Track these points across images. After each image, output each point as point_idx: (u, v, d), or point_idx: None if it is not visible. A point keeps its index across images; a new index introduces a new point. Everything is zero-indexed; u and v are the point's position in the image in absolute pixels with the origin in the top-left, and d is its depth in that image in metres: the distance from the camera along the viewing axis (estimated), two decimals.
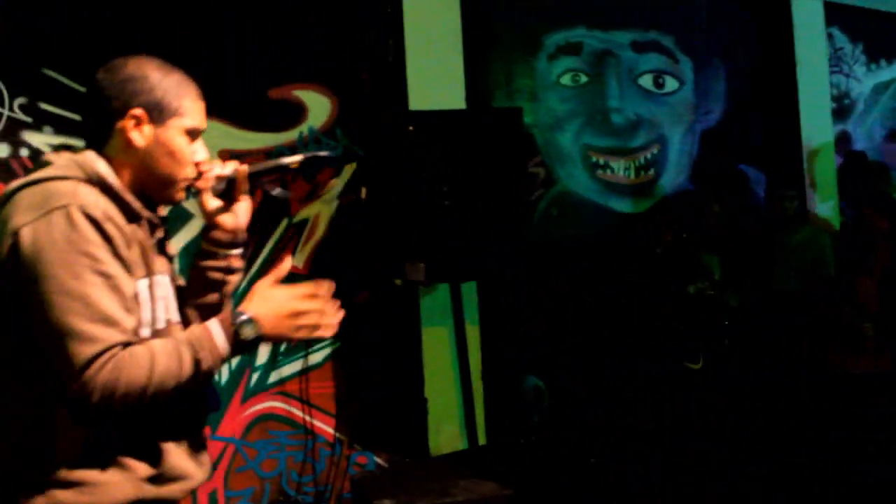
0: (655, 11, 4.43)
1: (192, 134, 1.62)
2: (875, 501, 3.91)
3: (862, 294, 3.98)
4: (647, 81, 4.35)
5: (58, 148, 1.67)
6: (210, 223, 1.69)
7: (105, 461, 1.48)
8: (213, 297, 1.72)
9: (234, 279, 1.73)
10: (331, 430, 3.48)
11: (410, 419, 3.56)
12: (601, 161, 4.18)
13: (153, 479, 1.52)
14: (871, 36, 5.29)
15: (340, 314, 1.58)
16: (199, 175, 1.63)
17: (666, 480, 3.95)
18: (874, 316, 3.89)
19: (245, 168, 1.66)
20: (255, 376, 3.36)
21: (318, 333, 1.57)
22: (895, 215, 4.00)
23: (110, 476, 1.49)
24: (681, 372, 3.98)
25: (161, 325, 1.57)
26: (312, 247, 3.48)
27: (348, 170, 3.51)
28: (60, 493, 1.45)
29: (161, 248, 1.65)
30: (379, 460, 3.55)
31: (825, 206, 4.65)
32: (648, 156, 4.33)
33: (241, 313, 1.51)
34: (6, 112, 2.95)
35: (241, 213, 1.68)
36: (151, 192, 1.61)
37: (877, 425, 4.00)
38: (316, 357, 3.46)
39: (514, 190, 3.27)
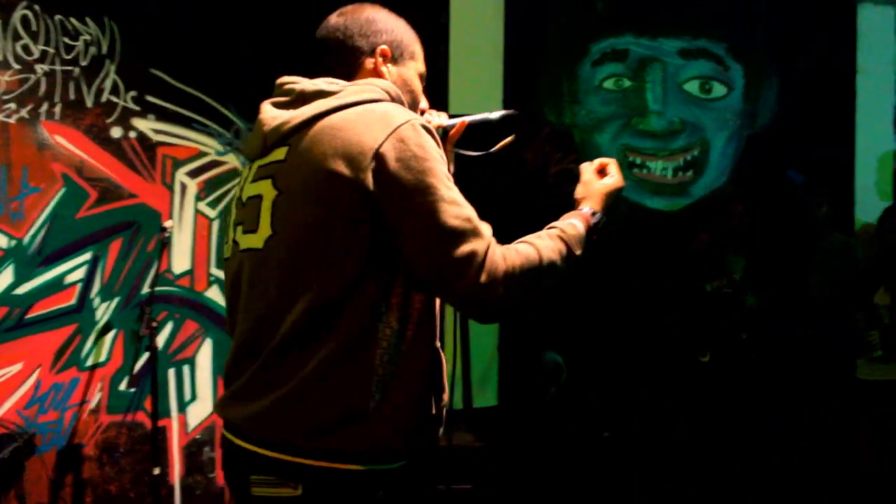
0: (710, 19, 5.18)
1: (423, 79, 1.86)
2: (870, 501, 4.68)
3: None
4: (692, 87, 5.15)
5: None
6: None
7: (412, 398, 1.65)
8: None
9: None
10: None
11: None
12: (638, 160, 5.05)
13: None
14: None
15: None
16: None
17: (669, 461, 4.86)
18: (886, 327, 4.59)
19: (466, 120, 1.90)
20: None
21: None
22: None
23: (416, 414, 1.66)
24: (690, 363, 4.84)
25: None
26: None
27: None
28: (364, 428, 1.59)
29: None
30: None
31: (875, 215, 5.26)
32: (688, 157, 5.15)
33: (598, 214, 1.82)
34: (121, 102, 4.21)
35: (450, 163, 1.90)
36: None
37: (877, 430, 4.73)
38: None
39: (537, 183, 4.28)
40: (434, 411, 1.71)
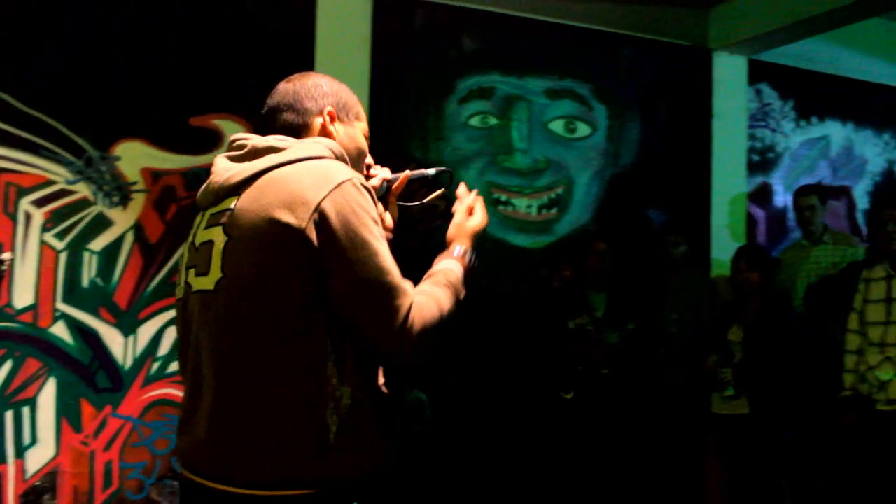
0: (575, 61, 5.38)
1: (367, 137, 2.04)
2: None
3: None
4: (557, 126, 5.30)
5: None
6: None
7: (365, 429, 1.77)
8: None
9: None
10: None
11: None
12: (503, 198, 5.14)
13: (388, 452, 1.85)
14: (802, 94, 6.19)
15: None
16: (369, 176, 2.04)
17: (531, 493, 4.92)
18: (738, 365, 4.80)
19: (409, 173, 2.10)
20: (155, 365, 4.37)
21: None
22: (767, 268, 4.90)
23: (371, 443, 1.78)
24: (554, 399, 4.92)
25: None
26: None
27: None
28: (329, 459, 1.71)
29: None
30: None
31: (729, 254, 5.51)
32: (553, 195, 5.28)
33: (468, 252, 1.99)
34: None
35: (393, 213, 2.13)
36: None
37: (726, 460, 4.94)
38: None
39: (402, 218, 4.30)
40: (385, 436, 1.84)
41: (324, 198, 1.69)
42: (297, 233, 1.68)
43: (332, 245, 1.68)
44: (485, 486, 4.96)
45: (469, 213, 2.07)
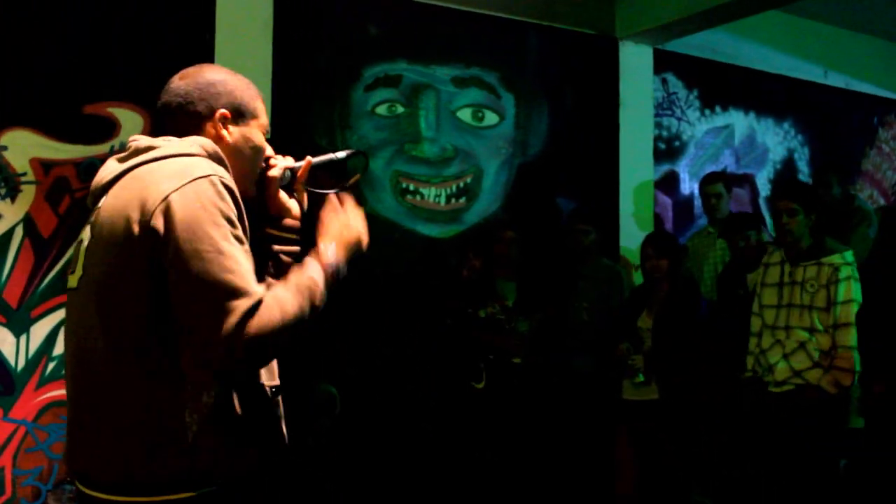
0: (482, 49, 5.38)
1: (266, 130, 2.01)
2: None
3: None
4: (465, 114, 5.30)
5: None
6: (278, 212, 2.02)
7: (226, 435, 1.74)
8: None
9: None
10: None
11: None
12: (411, 187, 5.12)
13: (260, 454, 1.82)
14: (706, 84, 6.34)
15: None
16: (269, 167, 2.00)
17: (441, 486, 4.92)
18: (648, 351, 4.87)
19: (311, 160, 2.05)
20: (51, 365, 4.21)
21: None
22: (674, 255, 5.00)
23: (231, 450, 1.75)
24: (466, 389, 4.92)
25: None
26: None
27: None
28: (183, 462, 1.69)
29: None
30: None
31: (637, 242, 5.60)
32: (461, 184, 5.28)
33: (340, 260, 1.90)
34: None
35: (302, 202, 2.08)
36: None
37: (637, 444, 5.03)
38: None
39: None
40: (259, 435, 1.81)
41: (174, 190, 1.67)
42: (146, 227, 1.66)
43: (172, 237, 1.64)
44: (397, 477, 4.94)
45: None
